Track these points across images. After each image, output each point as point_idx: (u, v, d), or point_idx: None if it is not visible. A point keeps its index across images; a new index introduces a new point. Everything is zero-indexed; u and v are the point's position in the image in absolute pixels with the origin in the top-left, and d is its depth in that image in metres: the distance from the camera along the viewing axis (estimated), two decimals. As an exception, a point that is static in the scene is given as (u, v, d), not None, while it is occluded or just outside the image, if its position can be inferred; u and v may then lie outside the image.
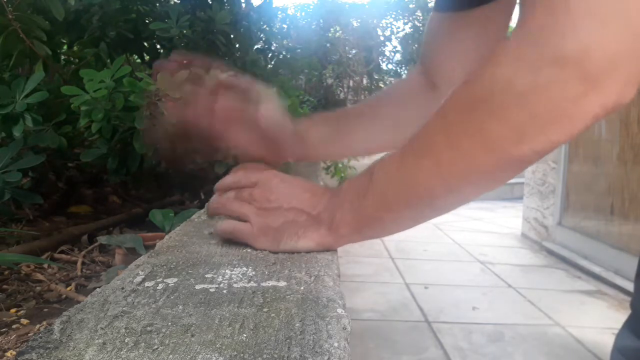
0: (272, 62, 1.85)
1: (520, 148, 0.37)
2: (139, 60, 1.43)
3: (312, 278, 0.42)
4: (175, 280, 0.41)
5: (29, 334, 0.62)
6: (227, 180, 0.57)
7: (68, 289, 0.79)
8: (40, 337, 0.30)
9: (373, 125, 0.71)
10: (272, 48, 1.90)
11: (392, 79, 7.07)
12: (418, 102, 0.70)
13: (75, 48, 1.33)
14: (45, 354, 0.28)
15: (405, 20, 6.99)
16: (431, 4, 7.41)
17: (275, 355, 0.28)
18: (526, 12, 0.36)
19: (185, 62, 0.65)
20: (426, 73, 0.71)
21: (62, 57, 1.34)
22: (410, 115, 0.68)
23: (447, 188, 0.42)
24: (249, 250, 0.51)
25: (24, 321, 0.67)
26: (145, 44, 1.35)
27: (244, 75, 0.66)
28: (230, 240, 0.53)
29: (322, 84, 7.00)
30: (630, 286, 2.30)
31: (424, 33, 0.73)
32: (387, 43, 7.09)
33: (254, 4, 1.64)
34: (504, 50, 0.37)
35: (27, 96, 0.90)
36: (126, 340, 0.30)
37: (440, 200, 0.44)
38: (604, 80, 0.34)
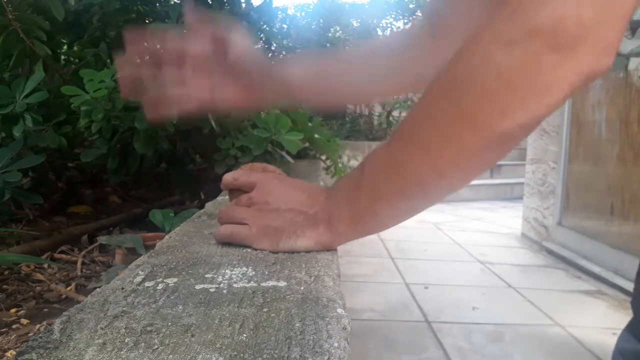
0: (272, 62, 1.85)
1: (503, 123, 0.38)
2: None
3: (312, 278, 0.42)
4: (175, 280, 0.41)
5: (29, 334, 0.62)
6: (228, 177, 0.57)
7: (68, 289, 0.79)
8: (40, 337, 0.30)
9: (362, 70, 0.68)
10: (272, 48, 1.90)
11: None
12: (415, 51, 0.67)
13: (75, 48, 1.33)
14: (45, 354, 0.28)
15: (405, 20, 6.99)
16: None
17: (275, 355, 0.28)
18: None
19: (140, 42, 0.61)
20: (428, 25, 0.68)
21: (62, 57, 1.34)
22: (404, 64, 0.66)
23: (437, 173, 0.43)
24: (249, 250, 0.51)
25: (24, 321, 0.67)
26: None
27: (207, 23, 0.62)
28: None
29: (322, 84, 6.99)
30: (630, 286, 2.30)
31: None
32: (387, 43, 7.08)
33: (254, 4, 1.64)
34: (483, 27, 0.38)
35: (27, 96, 0.90)
36: (126, 340, 0.30)
37: (431, 187, 0.44)
38: (577, 47, 0.34)
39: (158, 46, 0.62)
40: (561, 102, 0.37)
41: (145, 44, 0.62)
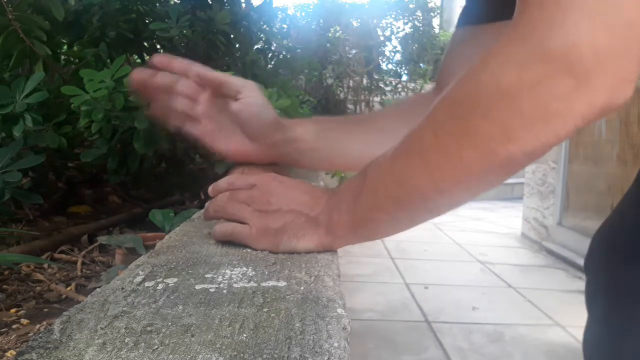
0: (272, 62, 1.85)
1: (508, 148, 0.36)
2: (139, 60, 1.43)
3: (312, 278, 0.42)
4: (175, 280, 0.41)
5: (29, 334, 0.62)
6: (222, 183, 0.57)
7: (68, 289, 0.79)
8: (40, 337, 0.30)
9: (371, 134, 0.67)
10: (272, 48, 1.90)
11: (392, 79, 7.07)
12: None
13: (75, 48, 1.33)
14: (45, 354, 0.28)
15: (405, 20, 6.99)
16: (431, 4, 7.39)
17: (275, 355, 0.28)
18: (519, 10, 0.35)
19: (163, 65, 0.63)
20: (438, 88, 0.69)
21: (62, 57, 1.34)
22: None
23: (437, 189, 0.42)
24: (249, 250, 0.51)
25: (24, 321, 0.67)
26: (145, 44, 1.35)
27: (216, 72, 0.64)
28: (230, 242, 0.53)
29: (322, 84, 7.00)
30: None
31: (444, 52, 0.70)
32: (387, 43, 7.09)
33: (254, 4, 1.64)
34: (494, 48, 0.36)
35: (27, 96, 0.90)
36: (126, 340, 0.30)
37: (431, 202, 0.44)
38: (592, 76, 0.32)
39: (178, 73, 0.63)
40: (571, 134, 0.35)
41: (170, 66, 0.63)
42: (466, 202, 0.44)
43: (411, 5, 6.90)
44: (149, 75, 0.62)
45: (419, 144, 0.43)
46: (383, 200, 0.46)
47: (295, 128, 0.66)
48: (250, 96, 0.63)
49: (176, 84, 0.62)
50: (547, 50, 0.33)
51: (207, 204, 0.58)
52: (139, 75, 0.62)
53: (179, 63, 0.63)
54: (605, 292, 0.64)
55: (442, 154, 0.40)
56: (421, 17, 6.96)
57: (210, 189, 0.58)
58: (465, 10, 0.65)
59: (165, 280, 0.41)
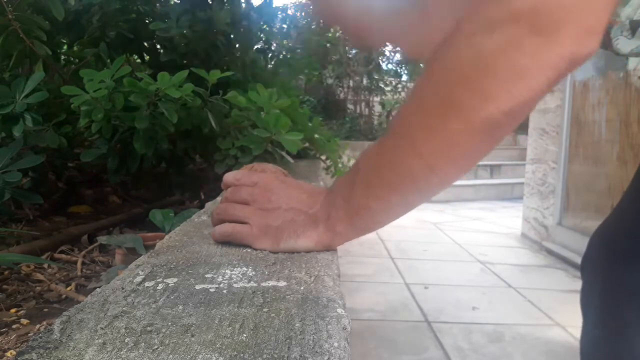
0: (272, 62, 1.85)
1: (486, 109, 0.37)
2: (139, 60, 1.43)
3: (312, 278, 0.42)
4: (175, 280, 0.41)
5: (29, 334, 0.62)
6: (230, 177, 0.58)
7: (68, 289, 0.79)
8: (40, 337, 0.30)
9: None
10: (272, 48, 1.90)
11: (392, 79, 7.07)
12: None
13: (75, 48, 1.33)
14: (45, 354, 0.28)
15: (405, 20, 6.98)
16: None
17: (275, 355, 0.28)
18: None
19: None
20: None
21: (62, 57, 1.34)
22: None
23: (426, 166, 0.42)
24: (249, 250, 0.51)
25: (24, 321, 0.67)
26: (145, 44, 1.35)
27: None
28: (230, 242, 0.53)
29: (322, 84, 7.00)
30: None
31: None
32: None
33: (254, 4, 1.64)
34: (465, 15, 0.38)
35: (27, 96, 0.90)
36: (126, 340, 0.30)
37: (422, 181, 0.44)
38: (558, 29, 0.34)
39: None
40: (545, 87, 0.36)
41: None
42: (456, 179, 0.44)
43: (411, 5, 6.88)
44: None
45: (405, 123, 0.44)
46: (376, 186, 0.46)
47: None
48: None
49: None
50: (514, 9, 0.34)
51: (210, 210, 0.58)
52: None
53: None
54: (600, 294, 0.64)
55: (427, 128, 0.41)
56: (421, 17, 6.94)
57: (223, 180, 0.58)
58: None
59: (165, 280, 0.41)
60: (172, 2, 1.49)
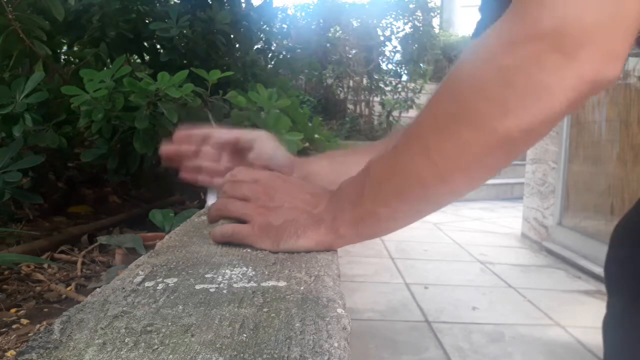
0: (272, 62, 1.85)
1: (504, 124, 0.37)
2: (139, 60, 1.43)
3: (312, 278, 0.42)
4: (175, 280, 0.41)
5: (29, 334, 0.62)
6: (227, 177, 0.57)
7: (68, 289, 0.79)
8: (40, 337, 0.30)
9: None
10: (272, 48, 1.90)
11: (392, 79, 7.08)
12: None
13: (75, 48, 1.33)
14: (45, 354, 0.28)
15: (405, 20, 6.99)
16: (431, 4, 7.37)
17: (275, 355, 0.28)
18: None
19: (184, 139, 0.68)
20: None
21: (62, 57, 1.34)
22: None
23: (437, 174, 0.42)
24: (249, 250, 0.51)
25: (24, 321, 0.66)
26: (145, 44, 1.35)
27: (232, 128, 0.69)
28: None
29: (322, 84, 7.00)
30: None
31: None
32: (387, 43, 7.09)
33: (254, 4, 1.64)
34: (490, 30, 0.38)
35: (27, 96, 0.90)
36: (126, 340, 0.30)
37: (432, 190, 0.43)
38: (580, 50, 0.34)
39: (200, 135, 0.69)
40: (565, 108, 0.36)
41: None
42: (466, 192, 0.44)
43: (411, 5, 6.89)
44: (174, 151, 0.69)
45: (419, 129, 0.44)
46: (385, 192, 0.46)
47: (309, 165, 0.69)
48: (262, 145, 0.67)
49: (199, 152, 0.69)
50: (537, 28, 0.35)
51: (208, 207, 0.58)
52: (166, 151, 0.69)
53: (198, 133, 0.68)
54: (630, 282, 0.64)
55: (441, 135, 0.41)
56: (421, 17, 6.96)
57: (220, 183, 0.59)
58: (479, 23, 0.67)
59: (165, 280, 0.41)
60: (172, 2, 1.49)
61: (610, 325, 0.67)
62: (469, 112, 0.39)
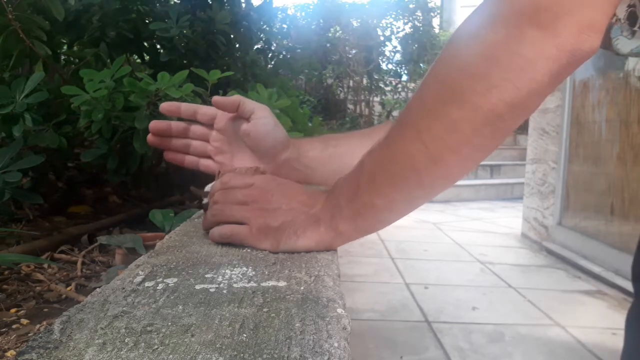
0: (272, 62, 1.85)
1: (489, 99, 0.38)
2: (139, 61, 1.43)
3: (312, 278, 0.42)
4: (175, 280, 0.41)
5: (29, 334, 0.62)
6: (216, 185, 0.57)
7: (68, 289, 0.79)
8: (40, 337, 0.30)
9: (370, 139, 0.70)
10: (272, 48, 1.90)
11: (392, 79, 7.08)
12: None
13: (75, 48, 1.33)
14: (45, 354, 0.28)
15: (405, 20, 6.99)
16: (431, 4, 7.37)
17: (275, 355, 0.28)
18: None
19: (172, 112, 0.68)
20: None
21: (62, 57, 1.34)
22: None
23: (429, 157, 0.42)
24: (249, 250, 0.51)
25: (24, 321, 0.66)
26: (145, 44, 1.35)
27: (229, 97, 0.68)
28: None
29: (322, 84, 7.00)
30: (630, 286, 2.29)
31: None
32: (387, 43, 7.09)
33: (254, 4, 1.64)
34: (471, 14, 0.40)
35: (27, 96, 0.90)
36: (126, 340, 0.30)
37: (425, 174, 0.44)
38: (557, 21, 0.35)
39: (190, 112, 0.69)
40: (547, 80, 0.37)
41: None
42: (460, 174, 0.44)
43: (411, 5, 6.90)
44: (165, 126, 0.68)
45: (410, 115, 0.45)
46: (380, 182, 0.46)
47: (303, 146, 0.70)
48: (261, 117, 0.66)
49: (189, 130, 0.69)
50: (516, 4, 0.37)
51: (204, 213, 0.58)
52: (156, 125, 0.68)
53: (186, 107, 0.68)
54: None
55: (430, 118, 0.42)
56: (421, 17, 6.96)
57: (209, 191, 0.58)
58: None
59: (165, 280, 0.41)
60: (172, 2, 1.49)
61: (635, 318, 0.67)
62: (455, 91, 0.40)
